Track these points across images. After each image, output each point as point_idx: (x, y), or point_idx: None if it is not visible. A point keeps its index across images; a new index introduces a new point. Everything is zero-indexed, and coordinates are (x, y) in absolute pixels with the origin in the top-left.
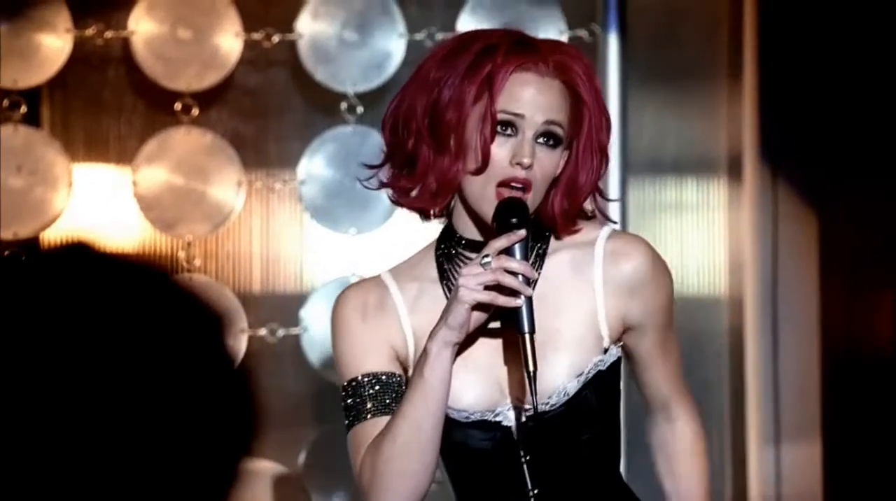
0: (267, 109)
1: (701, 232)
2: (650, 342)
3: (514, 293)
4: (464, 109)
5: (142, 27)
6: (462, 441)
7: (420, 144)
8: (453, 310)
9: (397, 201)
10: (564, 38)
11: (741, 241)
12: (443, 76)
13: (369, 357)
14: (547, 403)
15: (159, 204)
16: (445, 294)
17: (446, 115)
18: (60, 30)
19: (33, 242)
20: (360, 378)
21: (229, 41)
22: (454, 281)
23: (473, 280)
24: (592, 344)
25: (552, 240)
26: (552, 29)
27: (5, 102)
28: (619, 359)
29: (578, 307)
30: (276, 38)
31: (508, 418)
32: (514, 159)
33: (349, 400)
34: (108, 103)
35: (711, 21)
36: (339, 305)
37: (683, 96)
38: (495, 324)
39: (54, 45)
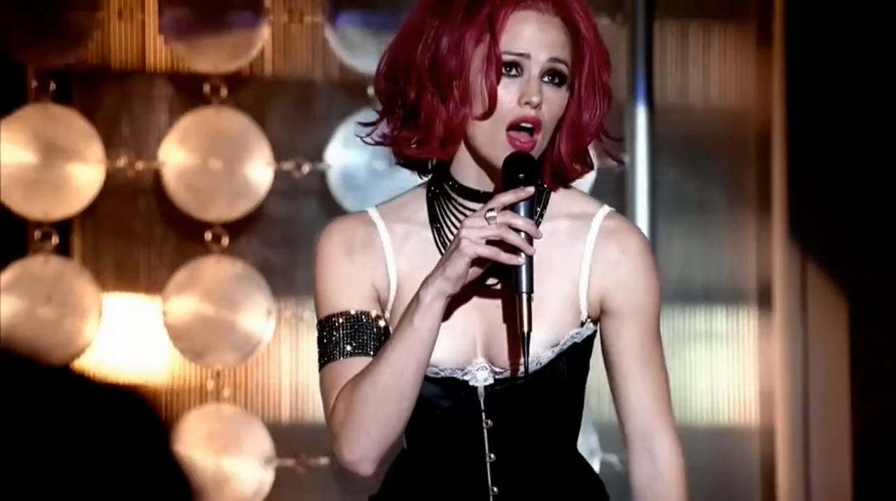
0: (297, 238)
1: (731, 361)
2: (630, 340)
3: (515, 250)
4: (465, 53)
5: (172, 158)
6: (426, 396)
7: (423, 93)
8: (453, 261)
9: (401, 154)
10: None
11: (772, 370)
12: (439, 23)
13: (350, 295)
14: (519, 369)
15: (189, 333)
16: (435, 239)
17: (448, 61)
18: (92, 161)
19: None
20: (338, 315)
21: (260, 171)
22: (445, 227)
23: (477, 232)
24: (571, 316)
25: (550, 205)
26: None
27: (37, 233)
28: (593, 334)
29: (564, 276)
30: (306, 168)
31: (476, 378)
32: (523, 99)
33: (325, 338)
34: (138, 234)
35: (740, 151)
36: (325, 238)
37: (712, 225)
38: (492, 281)
39: (86, 176)
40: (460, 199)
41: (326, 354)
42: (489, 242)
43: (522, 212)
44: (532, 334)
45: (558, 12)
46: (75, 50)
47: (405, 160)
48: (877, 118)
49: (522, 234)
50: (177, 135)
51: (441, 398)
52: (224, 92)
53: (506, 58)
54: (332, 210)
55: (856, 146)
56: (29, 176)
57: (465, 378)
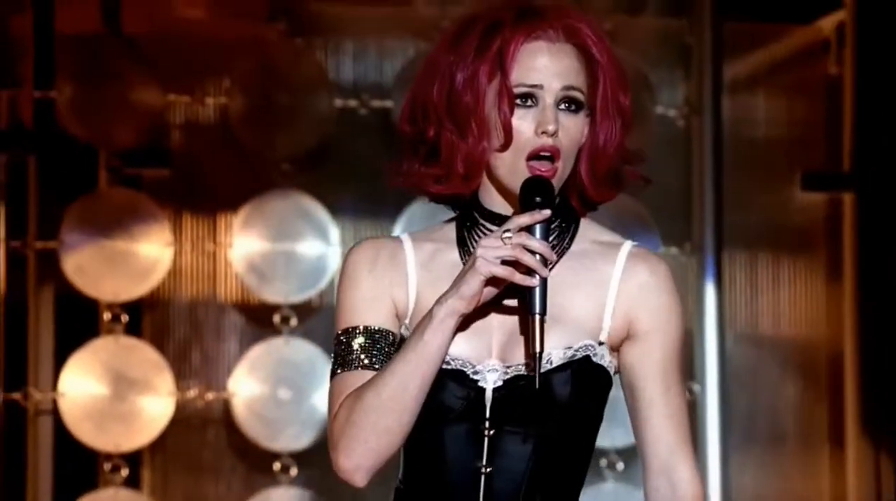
0: None
1: None
2: (654, 365)
3: (530, 272)
4: (479, 89)
5: (242, 388)
6: (433, 391)
7: (442, 130)
8: (467, 280)
9: (426, 192)
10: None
11: None
12: (454, 60)
13: (370, 309)
14: (529, 365)
15: None
16: (461, 257)
17: (463, 98)
18: (162, 392)
19: None
20: (356, 328)
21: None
22: (472, 248)
23: (492, 252)
24: (591, 329)
25: (580, 232)
26: None
27: (107, 466)
28: (609, 373)
29: (590, 292)
30: None
31: (485, 379)
32: (539, 128)
33: (340, 348)
34: (207, 465)
35: (812, 382)
36: (351, 253)
37: (784, 458)
38: (511, 302)
39: (156, 408)
40: (487, 223)
41: (339, 364)
42: (504, 263)
43: (538, 235)
44: (548, 334)
45: (569, 39)
46: (146, 281)
47: (432, 197)
48: None
49: (538, 256)
50: (246, 365)
51: (449, 394)
52: (294, 321)
53: (519, 90)
54: None
55: None
56: (100, 408)
57: (475, 376)
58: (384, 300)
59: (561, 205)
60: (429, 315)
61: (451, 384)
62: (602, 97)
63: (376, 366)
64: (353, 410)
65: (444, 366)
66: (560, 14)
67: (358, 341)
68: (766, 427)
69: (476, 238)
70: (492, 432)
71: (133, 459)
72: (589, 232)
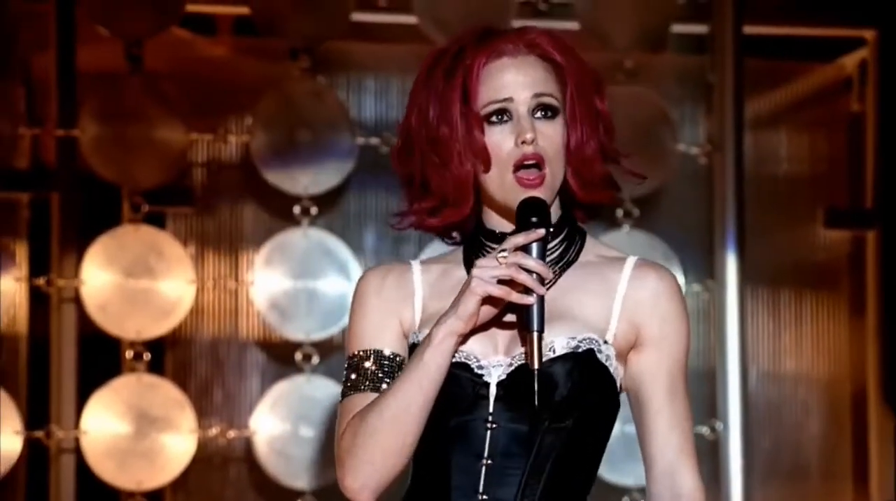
0: None
1: None
2: (661, 373)
3: (527, 290)
4: (452, 118)
5: (263, 426)
6: (442, 387)
7: (426, 164)
8: (464, 300)
9: (424, 228)
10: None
11: None
12: (427, 94)
13: (378, 333)
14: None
15: None
16: (468, 275)
17: (440, 129)
18: (184, 430)
19: None
20: (365, 352)
21: None
22: None
23: (488, 272)
24: (596, 327)
25: (586, 249)
26: None
27: None
28: (614, 383)
29: (597, 297)
30: None
31: (490, 374)
32: (518, 139)
33: (350, 373)
34: None
35: (835, 419)
36: (361, 279)
37: (807, 495)
38: (510, 317)
39: (178, 446)
40: (489, 243)
41: (348, 386)
42: (501, 282)
43: (535, 254)
44: (552, 327)
45: (532, 51)
46: (169, 319)
47: (433, 232)
48: None
49: (534, 275)
50: (268, 403)
51: (454, 390)
52: (315, 359)
53: (490, 108)
54: None
55: None
56: (121, 446)
57: (480, 371)
58: (391, 322)
59: (564, 218)
60: (428, 336)
61: (455, 378)
62: (570, 100)
63: (382, 388)
64: (358, 431)
65: (451, 360)
66: (521, 31)
67: (366, 364)
68: (789, 463)
69: (480, 257)
70: (494, 425)
71: (155, 497)
72: (594, 248)
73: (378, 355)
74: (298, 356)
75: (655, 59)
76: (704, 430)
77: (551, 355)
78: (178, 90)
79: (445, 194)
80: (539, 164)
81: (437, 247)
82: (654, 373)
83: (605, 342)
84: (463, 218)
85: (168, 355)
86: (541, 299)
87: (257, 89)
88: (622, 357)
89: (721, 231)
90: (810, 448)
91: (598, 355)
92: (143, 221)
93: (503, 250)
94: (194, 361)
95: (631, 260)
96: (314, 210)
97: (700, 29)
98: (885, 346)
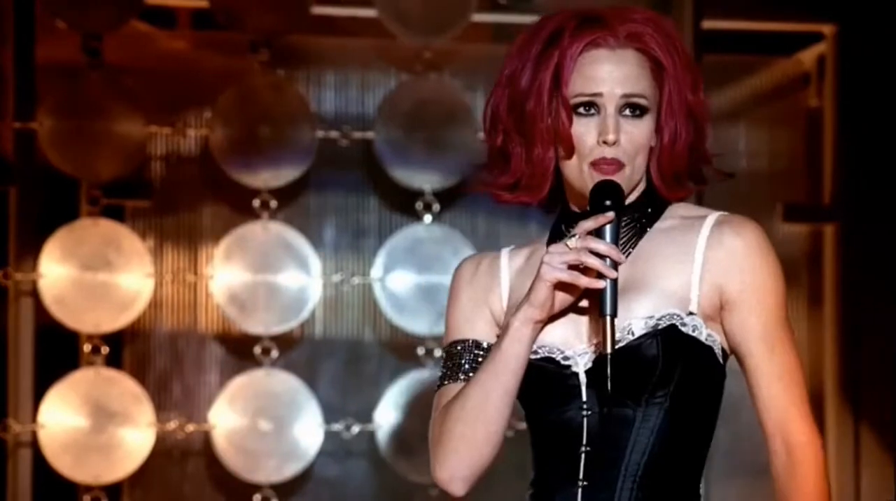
0: (345, 499)
1: None
2: (754, 328)
3: (600, 275)
4: (542, 99)
5: (223, 420)
6: (530, 382)
7: (509, 140)
8: (535, 288)
9: (500, 200)
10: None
11: None
12: (517, 69)
13: (470, 322)
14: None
15: None
16: None
17: (527, 107)
18: (142, 424)
19: None
20: (459, 342)
21: (309, 432)
22: None
23: (558, 258)
24: (676, 299)
25: (668, 211)
26: None
27: (87, 498)
28: (711, 353)
29: (675, 263)
30: (355, 429)
31: (577, 363)
32: (600, 138)
33: (445, 363)
34: (187, 497)
35: None
36: (456, 270)
37: (765, 491)
38: (584, 304)
39: (136, 440)
40: (570, 224)
41: (441, 376)
42: (572, 267)
43: (608, 238)
44: (629, 306)
45: (631, 44)
46: (127, 313)
47: (509, 203)
48: None
49: (608, 260)
50: (227, 397)
51: (542, 381)
52: (275, 353)
53: (579, 100)
54: (382, 472)
55: None
56: (79, 440)
57: (567, 362)
58: (483, 311)
59: (645, 194)
60: (506, 325)
61: (544, 372)
62: (667, 98)
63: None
64: (445, 421)
65: (533, 357)
66: (623, 18)
67: (458, 354)
68: (747, 460)
69: (563, 237)
70: (589, 413)
71: (113, 491)
72: (679, 210)
73: (470, 345)
74: (258, 350)
75: None
76: None
77: (630, 338)
78: (137, 83)
79: (523, 175)
80: (616, 166)
81: (397, 242)
82: (745, 331)
83: (691, 313)
84: (538, 201)
85: (126, 349)
86: (613, 282)
87: (217, 83)
88: (714, 320)
89: None
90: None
91: (683, 328)
92: (102, 215)
93: (573, 235)
94: (153, 355)
95: (711, 218)
96: (274, 203)
97: None
98: (842, 341)
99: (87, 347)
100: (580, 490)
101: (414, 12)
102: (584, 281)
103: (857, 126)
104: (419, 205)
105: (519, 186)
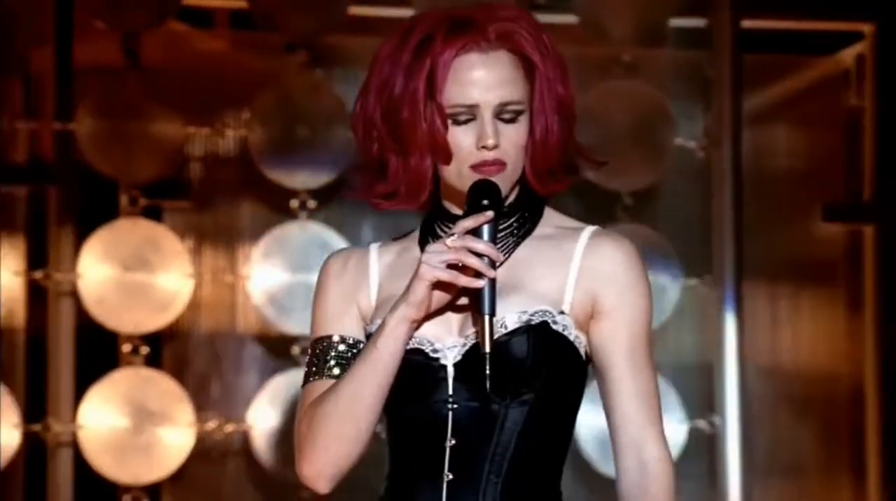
0: None
1: None
2: (621, 342)
3: (478, 274)
4: (417, 107)
5: (261, 420)
6: (399, 374)
7: (385, 149)
8: (413, 287)
9: (380, 207)
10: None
11: None
12: (390, 76)
13: (337, 319)
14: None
15: None
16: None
17: (402, 116)
18: (182, 424)
19: None
20: (324, 338)
21: None
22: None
23: (436, 257)
24: (551, 299)
25: (544, 219)
26: None
27: (126, 498)
28: (575, 350)
29: (551, 266)
30: None
31: (446, 356)
32: (479, 143)
33: (311, 360)
34: (226, 497)
35: (832, 415)
36: (323, 265)
37: (804, 491)
38: (465, 300)
39: (176, 439)
40: (447, 224)
41: (308, 373)
42: (450, 266)
43: (486, 237)
44: (504, 303)
45: (503, 44)
46: (166, 313)
47: (386, 208)
48: None
49: (485, 259)
50: (266, 397)
51: (410, 373)
52: None
53: (454, 110)
54: None
55: None
56: (119, 440)
57: (436, 355)
58: (350, 307)
59: (521, 195)
60: (382, 323)
61: (412, 364)
62: (539, 96)
63: (341, 375)
64: (314, 418)
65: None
66: (492, 17)
67: (324, 351)
68: (787, 460)
69: (437, 236)
70: (455, 406)
71: (153, 491)
72: (553, 218)
73: (336, 341)
74: (296, 350)
75: (654, 54)
76: (702, 425)
77: (503, 331)
78: (175, 84)
79: (401, 183)
80: (499, 167)
81: None
82: (613, 343)
83: (561, 312)
84: (417, 207)
85: (165, 349)
86: (492, 282)
87: (255, 83)
88: (582, 327)
89: (719, 226)
90: (808, 443)
91: (554, 326)
92: (141, 215)
93: (452, 234)
94: (192, 355)
95: (588, 230)
96: (311, 203)
97: (698, 23)
98: (882, 341)
99: (126, 347)
100: (445, 484)
101: None
102: (464, 281)
103: None
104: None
105: (398, 194)
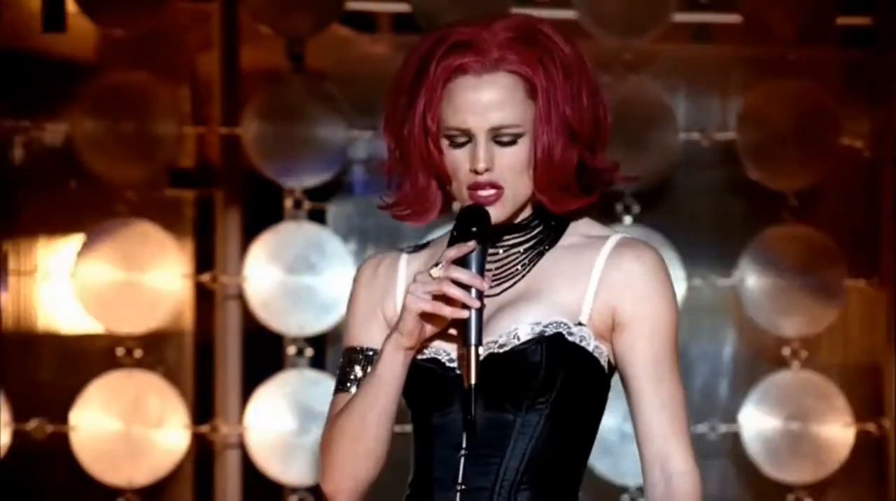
0: None
1: None
2: (644, 354)
3: (464, 304)
4: (415, 128)
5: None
6: (416, 383)
7: (397, 167)
8: (403, 317)
9: (400, 219)
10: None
11: None
12: (396, 97)
13: (366, 328)
14: (496, 343)
15: None
16: None
17: (404, 136)
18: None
19: None
20: (353, 350)
21: None
22: None
23: (421, 288)
24: (566, 310)
25: (569, 230)
26: None
27: (292, 498)
28: (593, 361)
29: (570, 278)
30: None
31: (461, 367)
32: (471, 166)
33: (342, 369)
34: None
35: None
36: (357, 271)
37: None
38: (453, 332)
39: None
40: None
41: (338, 382)
42: (437, 297)
43: (473, 266)
44: (518, 313)
45: (501, 66)
46: (330, 315)
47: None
48: None
49: (473, 291)
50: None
51: (426, 383)
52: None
53: (449, 133)
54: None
55: None
56: (285, 441)
57: (452, 365)
58: (377, 316)
59: (540, 209)
60: (381, 348)
61: (429, 373)
62: (541, 114)
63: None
64: (331, 434)
65: (420, 357)
66: (492, 37)
67: (349, 362)
68: None
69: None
70: (469, 416)
71: (320, 493)
72: (581, 228)
73: (361, 351)
74: None
75: (820, 53)
76: (870, 427)
77: (516, 342)
78: (338, 88)
79: (409, 201)
80: (494, 189)
81: None
82: (633, 354)
83: (579, 323)
84: (428, 223)
85: (330, 350)
86: (478, 312)
87: None
88: (605, 338)
89: (886, 226)
90: None
91: (569, 337)
92: (305, 218)
93: (437, 264)
94: None
95: (613, 239)
96: None
97: (864, 21)
98: None
99: (291, 349)
100: (458, 494)
101: (614, 13)
102: (448, 312)
103: None
104: (619, 208)
105: (409, 210)
